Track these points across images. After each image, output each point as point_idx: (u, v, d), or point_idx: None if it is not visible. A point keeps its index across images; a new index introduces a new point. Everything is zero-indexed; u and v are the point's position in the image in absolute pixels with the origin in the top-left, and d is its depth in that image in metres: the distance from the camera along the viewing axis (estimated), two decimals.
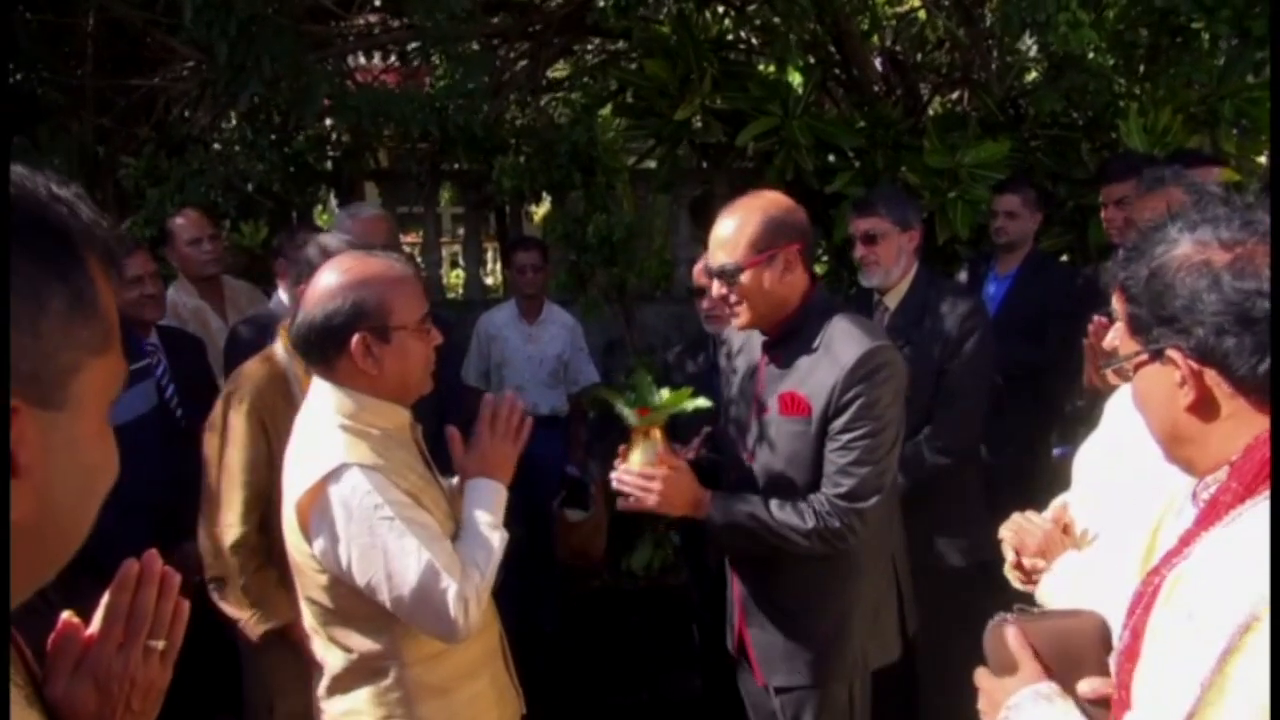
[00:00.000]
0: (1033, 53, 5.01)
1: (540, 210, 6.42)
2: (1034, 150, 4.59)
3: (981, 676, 1.31)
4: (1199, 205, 1.17)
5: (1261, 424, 1.09)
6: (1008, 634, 1.26)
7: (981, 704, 1.31)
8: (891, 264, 2.94)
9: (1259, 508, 1.07)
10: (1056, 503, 1.88)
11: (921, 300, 2.95)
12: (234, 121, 4.49)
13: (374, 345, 1.74)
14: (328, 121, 4.86)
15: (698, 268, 3.10)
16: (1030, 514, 1.87)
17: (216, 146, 4.53)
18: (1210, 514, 1.12)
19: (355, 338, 1.73)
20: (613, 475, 2.18)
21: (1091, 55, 4.28)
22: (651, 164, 5.45)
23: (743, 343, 2.32)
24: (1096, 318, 1.96)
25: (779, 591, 2.23)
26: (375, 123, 4.18)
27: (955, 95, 5.66)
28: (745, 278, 2.08)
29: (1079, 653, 1.24)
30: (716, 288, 2.14)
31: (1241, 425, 1.11)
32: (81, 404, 0.66)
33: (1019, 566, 1.83)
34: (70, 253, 0.65)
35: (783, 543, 2.08)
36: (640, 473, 2.12)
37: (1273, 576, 1.00)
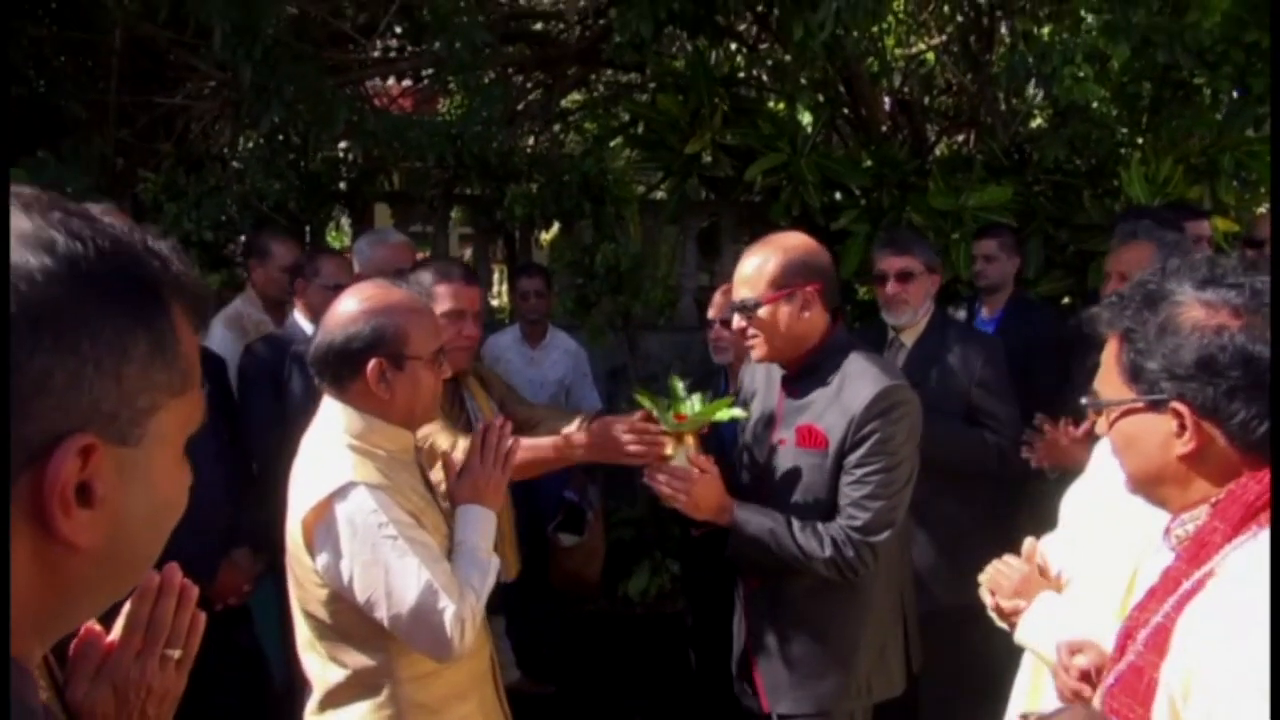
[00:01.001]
0: (1038, 100, 5.09)
1: (548, 236, 6.50)
2: (1037, 195, 4.66)
3: None
4: (1200, 264, 1.24)
5: (1244, 471, 1.17)
6: None
7: None
8: (919, 304, 3.06)
9: (1248, 547, 1.14)
10: (1028, 544, 1.93)
11: (939, 338, 3.06)
12: (253, 141, 4.57)
13: (388, 371, 1.81)
14: (343, 144, 4.95)
15: (715, 299, 3.17)
16: (1007, 558, 1.93)
17: (235, 164, 4.61)
18: (1198, 552, 1.19)
19: (371, 362, 1.79)
20: (645, 473, 2.24)
21: (1095, 105, 4.37)
22: (660, 195, 5.54)
23: (763, 378, 2.40)
24: (1064, 422, 1.99)
25: (788, 621, 2.28)
26: (391, 147, 4.26)
27: (961, 138, 5.74)
28: (763, 312, 2.17)
29: None
30: (737, 320, 2.25)
31: (1228, 473, 1.19)
32: (157, 441, 0.71)
33: (998, 609, 1.88)
34: (157, 303, 0.70)
35: (796, 563, 2.15)
36: (673, 470, 2.19)
37: (1273, 576, 1.05)
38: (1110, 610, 1.72)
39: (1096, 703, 1.29)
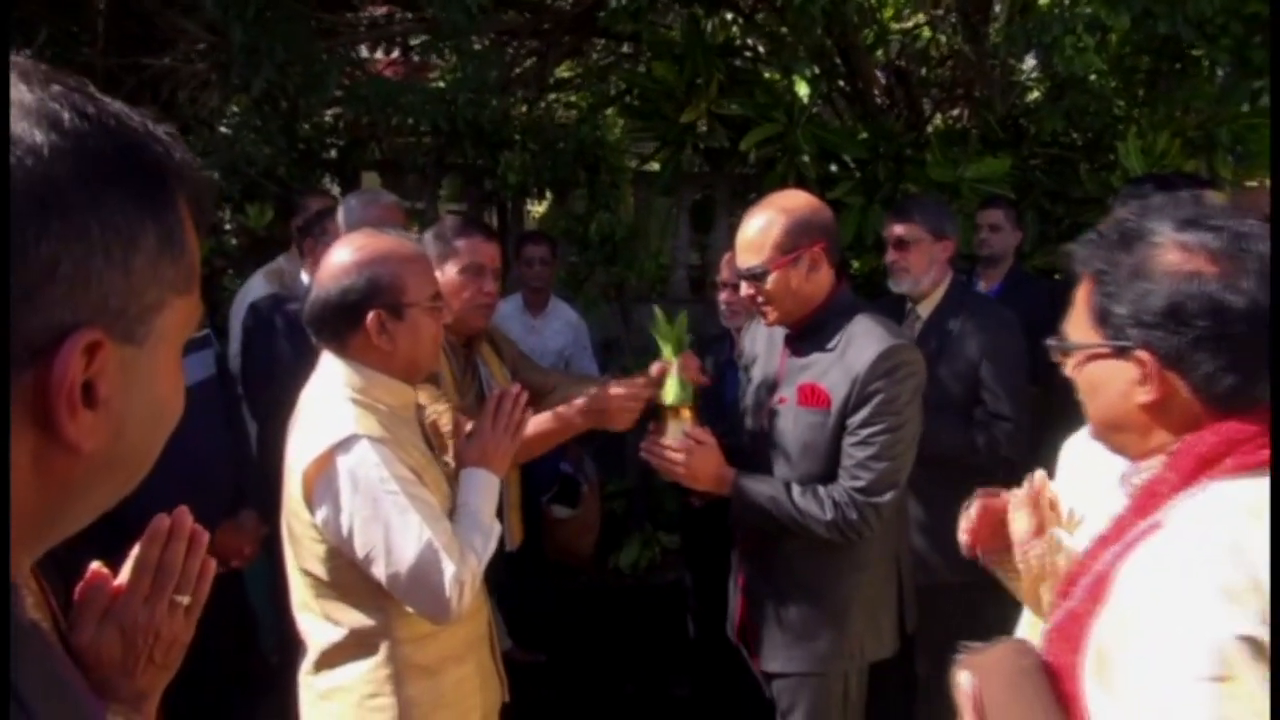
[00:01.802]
0: (1035, 72, 5.07)
1: (539, 208, 6.45)
2: (1033, 168, 4.65)
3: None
4: (1185, 201, 1.21)
5: (1205, 423, 1.15)
6: (960, 684, 1.28)
7: None
8: (922, 272, 2.98)
9: (1195, 499, 1.12)
10: (1039, 476, 1.91)
11: (954, 310, 2.98)
12: (241, 105, 4.49)
13: (388, 322, 1.77)
14: (332, 110, 4.88)
15: (724, 262, 3.14)
16: (1001, 494, 1.88)
17: (223, 129, 4.54)
18: (1146, 503, 1.16)
19: (371, 314, 1.76)
20: (643, 446, 2.23)
21: (1093, 78, 4.35)
22: (654, 166, 5.50)
23: (764, 340, 2.38)
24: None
25: (782, 580, 2.28)
26: (384, 113, 4.20)
27: (957, 111, 5.72)
28: (772, 280, 2.14)
29: (1000, 689, 1.23)
30: (745, 288, 2.20)
31: (1189, 425, 1.16)
32: (161, 340, 0.67)
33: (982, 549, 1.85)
34: (165, 191, 0.66)
35: (799, 528, 2.14)
36: (668, 444, 2.18)
37: (1273, 573, 1.03)
38: None
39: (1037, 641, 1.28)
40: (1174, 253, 1.14)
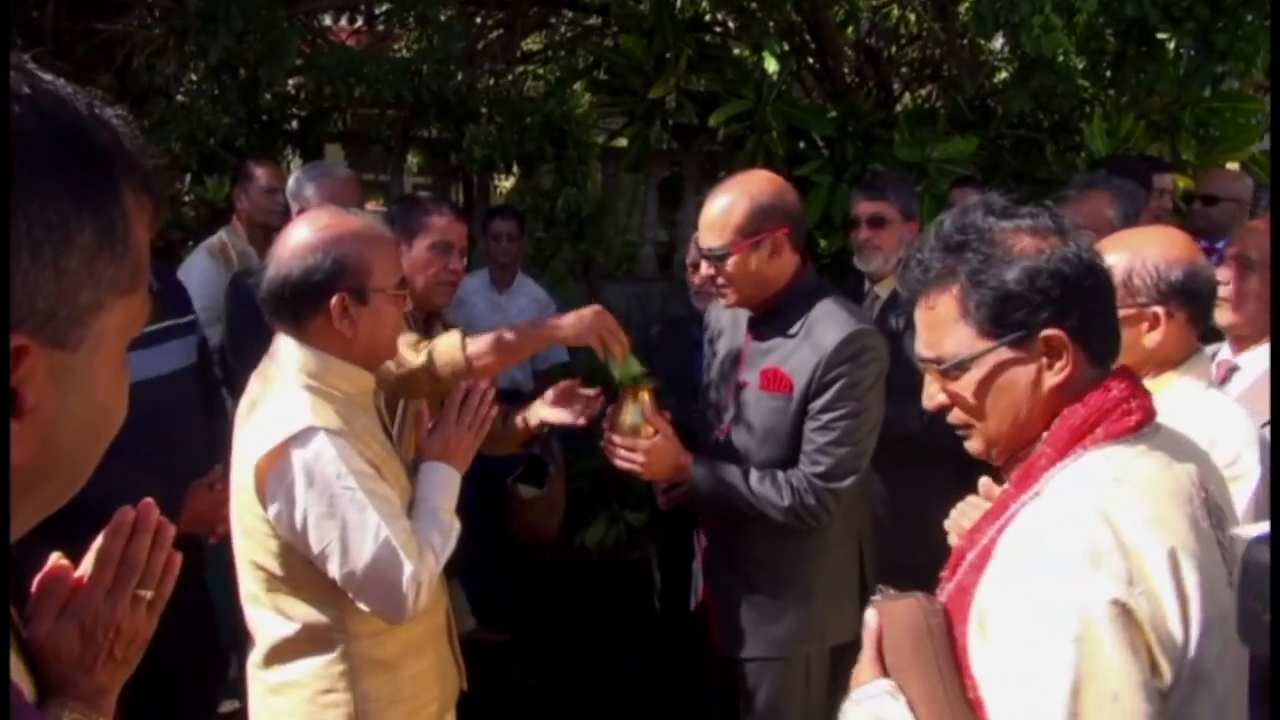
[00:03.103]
0: (1004, 52, 5.09)
1: (506, 183, 6.37)
2: (1001, 149, 4.67)
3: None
4: (984, 204, 1.23)
5: (1084, 395, 1.18)
6: (866, 619, 1.30)
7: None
8: (892, 251, 2.97)
9: (1068, 469, 1.16)
10: (984, 483, 1.94)
11: None
12: (199, 74, 4.37)
13: (351, 306, 1.70)
14: (294, 80, 4.76)
15: (693, 241, 3.10)
16: (969, 498, 1.93)
17: (180, 98, 4.41)
18: (1026, 476, 1.19)
19: (335, 297, 1.69)
20: (603, 441, 2.20)
21: (1061, 59, 4.37)
22: (622, 142, 5.45)
23: (729, 317, 2.35)
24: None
25: (743, 564, 2.27)
26: (346, 83, 4.11)
27: (926, 91, 5.73)
28: (732, 262, 2.11)
29: (902, 639, 1.24)
30: (705, 268, 2.18)
31: (1076, 399, 1.19)
32: (99, 343, 0.62)
33: None
34: (107, 181, 0.61)
35: (757, 515, 2.12)
36: (624, 441, 2.15)
37: (1273, 570, 1.04)
38: None
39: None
40: (1027, 240, 1.17)
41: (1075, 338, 1.16)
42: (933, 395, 1.28)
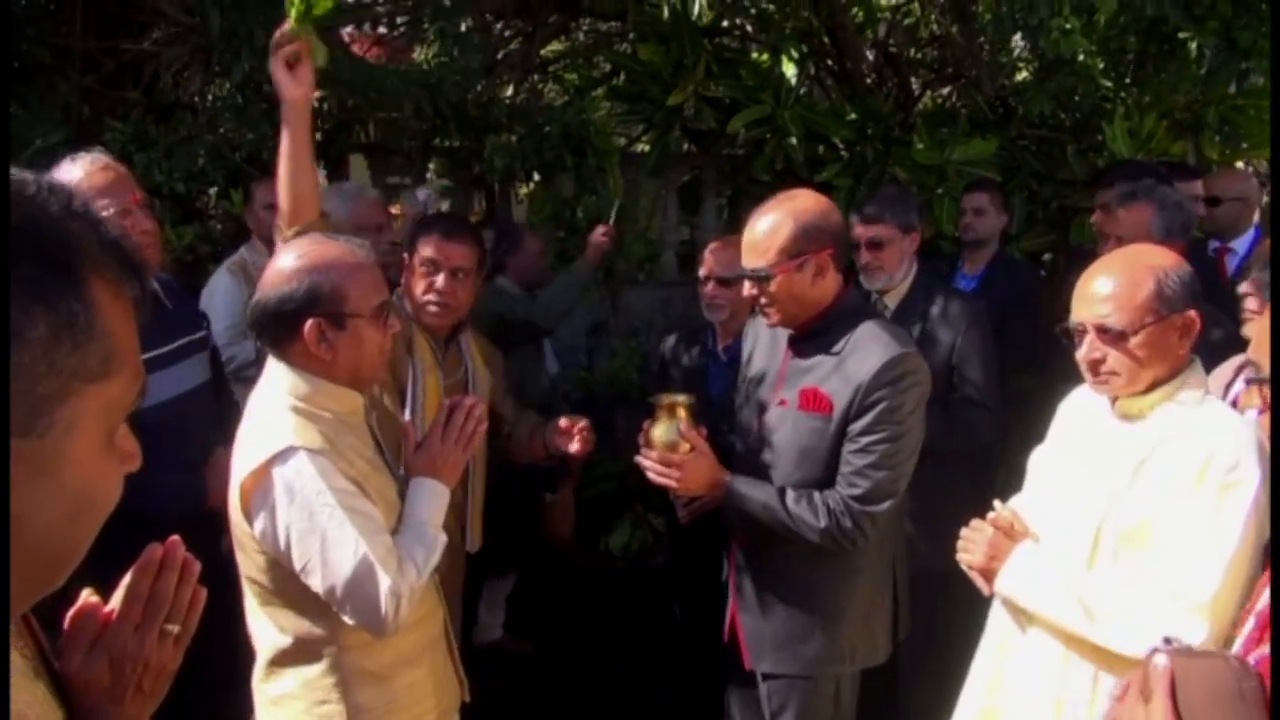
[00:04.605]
0: (1023, 53, 5.05)
1: (526, 190, 6.41)
2: (1021, 150, 4.64)
3: (1125, 694, 1.31)
4: None
5: None
6: (1155, 664, 1.24)
7: (1116, 715, 1.31)
8: (895, 269, 2.99)
9: None
10: (994, 511, 1.96)
11: (923, 302, 3.00)
12: (224, 90, 4.44)
13: (328, 331, 1.75)
14: (316, 94, 4.81)
15: (706, 256, 3.13)
16: (976, 523, 1.96)
17: (206, 112, 4.48)
18: None
19: (309, 323, 1.73)
20: (637, 458, 2.24)
21: (1081, 59, 4.33)
22: (641, 148, 5.46)
23: (768, 334, 2.36)
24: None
25: (775, 581, 2.28)
26: (368, 97, 4.16)
27: (946, 91, 5.70)
28: (775, 284, 2.12)
29: (1208, 699, 1.20)
30: (747, 288, 2.18)
31: None
32: (70, 429, 0.63)
33: (973, 569, 1.93)
34: (66, 274, 0.62)
35: (792, 535, 2.13)
36: (660, 456, 2.17)
37: (1274, 569, 1.05)
38: (1080, 561, 1.76)
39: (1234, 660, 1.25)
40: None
41: None
42: (1249, 402, 1.37)
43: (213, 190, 4.54)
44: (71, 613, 1.13)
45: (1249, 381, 1.27)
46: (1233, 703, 1.18)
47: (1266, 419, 1.27)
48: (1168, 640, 1.27)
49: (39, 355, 0.60)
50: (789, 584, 2.25)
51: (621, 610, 4.45)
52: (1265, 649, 1.23)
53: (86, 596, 1.15)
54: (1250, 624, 1.31)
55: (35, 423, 0.61)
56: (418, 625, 1.90)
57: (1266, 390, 1.24)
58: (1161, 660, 1.24)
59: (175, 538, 1.17)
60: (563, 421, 2.56)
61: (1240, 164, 4.60)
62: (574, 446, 2.53)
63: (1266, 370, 1.24)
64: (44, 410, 0.61)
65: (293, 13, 2.18)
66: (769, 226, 2.13)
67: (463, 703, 2.09)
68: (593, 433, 2.56)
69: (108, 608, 1.14)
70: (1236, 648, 1.30)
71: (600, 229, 4.11)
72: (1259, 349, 1.25)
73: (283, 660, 1.83)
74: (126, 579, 1.15)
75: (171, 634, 1.15)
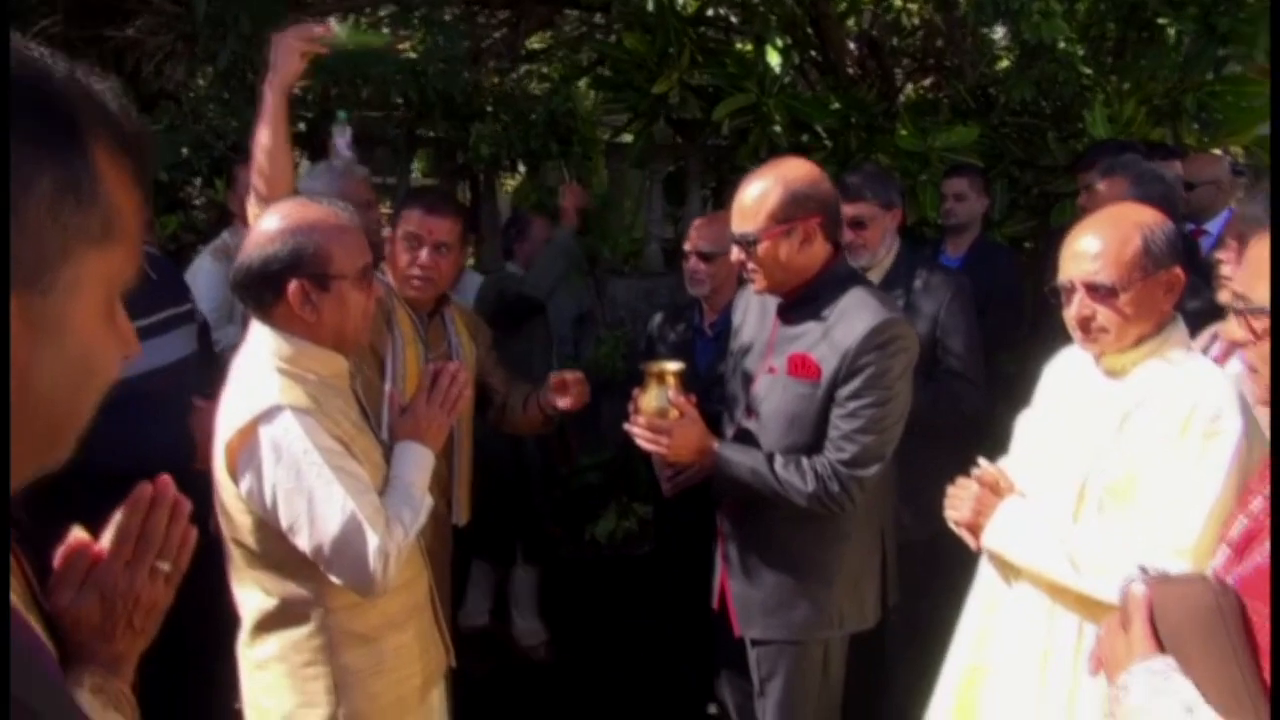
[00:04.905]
0: (1004, 40, 5.09)
1: (511, 183, 6.41)
2: (1003, 137, 4.68)
3: (1106, 628, 1.32)
4: None
5: None
6: (1133, 592, 1.27)
7: (1099, 651, 1.33)
8: (878, 246, 3.02)
9: None
10: (978, 468, 1.99)
11: (906, 276, 3.04)
12: (209, 77, 4.43)
13: (312, 293, 1.76)
14: (300, 83, 4.80)
15: (691, 232, 3.15)
16: (962, 480, 1.99)
17: (189, 105, 4.47)
18: None
19: (293, 284, 1.74)
20: (626, 425, 2.26)
21: (1061, 46, 4.37)
22: (626, 139, 5.48)
23: (757, 304, 2.38)
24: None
25: (764, 547, 2.29)
26: (353, 84, 4.16)
27: (929, 81, 5.74)
28: (763, 248, 2.13)
29: (1187, 620, 1.22)
30: (735, 252, 2.20)
31: None
32: (75, 292, 0.64)
33: (959, 524, 1.95)
34: (69, 135, 0.63)
35: (780, 499, 2.14)
36: (649, 422, 2.18)
37: (1274, 563, 1.06)
38: (1065, 515, 1.79)
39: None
40: None
41: None
42: (1232, 333, 1.30)
43: (197, 180, 4.53)
44: (62, 550, 1.13)
45: (1234, 312, 1.28)
46: (1210, 620, 1.20)
47: (1252, 351, 1.28)
48: (1144, 570, 1.29)
49: (44, 208, 0.61)
50: (777, 550, 2.27)
51: (609, 598, 4.44)
52: (1239, 569, 1.25)
53: (76, 534, 1.15)
54: (1223, 550, 1.33)
55: (40, 277, 0.61)
56: (403, 589, 1.90)
57: (1253, 321, 1.25)
58: (1139, 588, 1.26)
59: (166, 476, 1.17)
60: (555, 377, 2.57)
61: (1217, 150, 4.64)
62: (564, 402, 2.53)
63: (1255, 300, 1.25)
64: (48, 266, 0.62)
65: (345, 35, 2.25)
66: (759, 192, 2.14)
67: (449, 669, 2.09)
68: (587, 385, 2.57)
69: (98, 545, 1.15)
70: (1210, 572, 1.32)
71: (568, 188, 4.14)
72: (1245, 281, 1.26)
73: (268, 624, 1.82)
74: (117, 516, 1.15)
75: (162, 571, 1.15)
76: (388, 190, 5.62)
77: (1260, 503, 1.30)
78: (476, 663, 2.15)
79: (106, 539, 1.15)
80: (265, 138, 2.25)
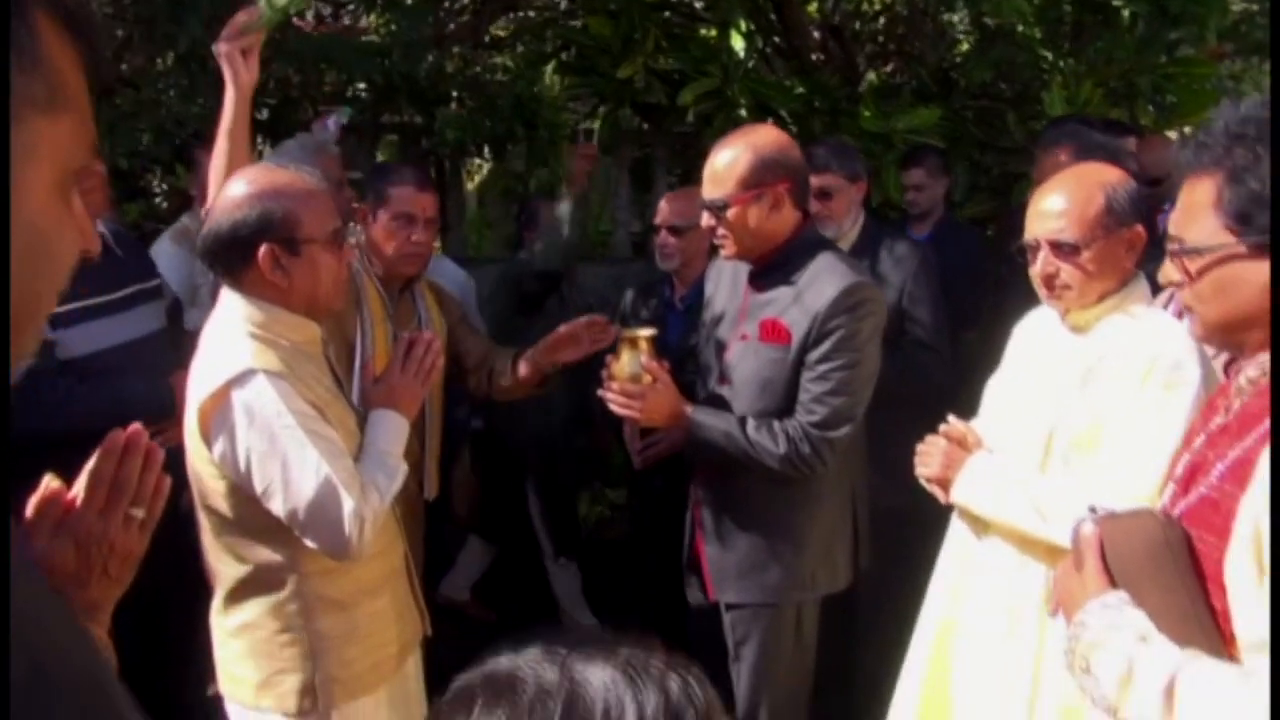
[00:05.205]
0: (964, 23, 5.16)
1: (477, 176, 6.39)
2: (964, 120, 4.75)
3: (1061, 570, 1.35)
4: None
5: None
6: (1083, 532, 1.30)
7: (1056, 593, 1.36)
8: (843, 217, 3.07)
9: None
10: (947, 425, 2.03)
11: (872, 247, 3.08)
12: (169, 62, 4.36)
13: (282, 257, 1.75)
14: (263, 71, 4.75)
15: (661, 206, 3.16)
16: (930, 436, 2.03)
17: (149, 86, 4.40)
18: None
19: (262, 249, 1.73)
20: (603, 388, 2.26)
21: (1020, 29, 4.45)
22: (592, 126, 5.48)
23: (729, 273, 2.40)
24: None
25: (737, 512, 2.31)
26: (316, 69, 4.12)
27: (890, 67, 5.80)
28: (732, 214, 2.15)
29: (1136, 554, 1.25)
30: (705, 218, 2.21)
31: None
32: (24, 162, 0.62)
33: (929, 480, 1.99)
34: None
35: (752, 462, 2.16)
36: (622, 388, 2.20)
37: (1273, 558, 1.09)
38: (1032, 468, 1.83)
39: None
40: None
41: None
42: (1168, 275, 1.31)
43: (157, 168, 4.47)
44: (35, 498, 1.13)
45: (1169, 254, 1.32)
46: (1161, 552, 1.23)
47: (1187, 293, 1.31)
48: (1093, 510, 1.33)
49: None
50: (750, 514, 2.29)
51: (584, 582, 4.44)
52: (1184, 502, 1.29)
53: (49, 482, 1.14)
54: (1170, 488, 1.37)
55: None
56: (378, 555, 1.90)
57: (1187, 262, 1.28)
58: (1088, 528, 1.30)
59: (138, 425, 1.17)
60: (566, 328, 2.47)
61: (1172, 133, 4.74)
62: (573, 355, 2.46)
63: (1189, 240, 1.28)
64: None
65: (266, 9, 2.15)
66: (728, 158, 2.16)
67: (425, 636, 2.09)
68: (610, 327, 2.47)
69: (71, 493, 1.14)
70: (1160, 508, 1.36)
71: (577, 148, 4.00)
72: (1178, 223, 1.30)
73: (243, 590, 1.82)
74: (90, 463, 1.14)
75: (136, 518, 1.15)
76: (355, 185, 5.58)
77: (1201, 440, 1.34)
78: (454, 636, 2.14)
79: (79, 486, 1.14)
80: (223, 143, 2.17)
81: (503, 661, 0.74)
